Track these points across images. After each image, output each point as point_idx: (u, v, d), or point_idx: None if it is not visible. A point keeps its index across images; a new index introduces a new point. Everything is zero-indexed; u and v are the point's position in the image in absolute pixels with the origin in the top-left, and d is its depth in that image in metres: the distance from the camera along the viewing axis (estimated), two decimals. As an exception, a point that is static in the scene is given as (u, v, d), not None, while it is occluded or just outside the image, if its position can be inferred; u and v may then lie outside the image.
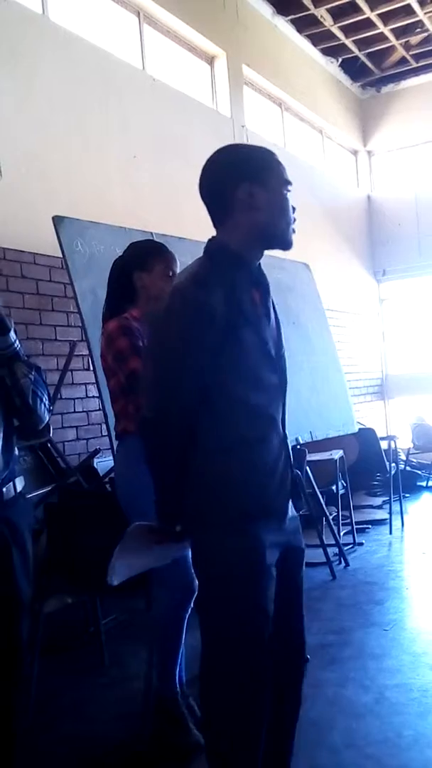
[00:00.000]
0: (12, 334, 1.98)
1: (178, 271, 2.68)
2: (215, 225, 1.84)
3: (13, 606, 1.99)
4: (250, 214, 1.76)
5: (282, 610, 1.83)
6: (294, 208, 1.82)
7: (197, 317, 1.68)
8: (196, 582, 2.49)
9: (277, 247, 1.84)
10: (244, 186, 1.75)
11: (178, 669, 2.64)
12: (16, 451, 2.03)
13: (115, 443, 2.82)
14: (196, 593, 2.52)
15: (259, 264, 1.85)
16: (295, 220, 1.83)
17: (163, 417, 1.75)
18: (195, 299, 1.69)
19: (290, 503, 1.90)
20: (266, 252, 1.88)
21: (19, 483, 2.04)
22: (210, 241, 1.82)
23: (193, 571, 2.50)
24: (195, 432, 1.74)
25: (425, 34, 8.59)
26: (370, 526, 6.10)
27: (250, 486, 1.76)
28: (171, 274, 2.65)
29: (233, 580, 1.73)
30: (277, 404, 1.85)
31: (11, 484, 1.99)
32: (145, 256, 2.67)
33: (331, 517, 5.19)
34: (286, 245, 1.83)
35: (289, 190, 1.81)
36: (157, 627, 2.65)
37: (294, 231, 1.83)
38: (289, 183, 1.81)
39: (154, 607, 2.67)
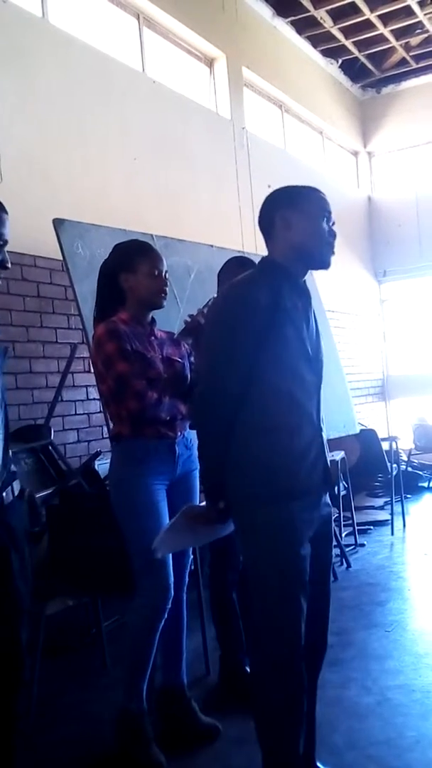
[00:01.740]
0: None
1: (164, 269, 2.66)
2: (267, 247, 2.14)
3: (13, 610, 1.99)
4: (286, 234, 2.06)
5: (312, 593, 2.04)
6: (334, 234, 2.09)
7: (244, 309, 1.96)
8: (171, 591, 2.52)
9: (315, 266, 2.13)
10: (281, 212, 2.06)
11: (147, 682, 2.56)
12: (10, 454, 2.03)
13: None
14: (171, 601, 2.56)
15: (305, 281, 2.13)
16: (334, 240, 2.09)
17: (213, 394, 1.99)
18: (243, 294, 2.00)
19: (326, 493, 2.13)
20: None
21: (16, 486, 2.04)
22: (262, 257, 2.15)
23: (172, 575, 2.52)
24: (238, 414, 1.98)
25: (425, 35, 8.59)
26: (371, 527, 6.09)
27: (281, 468, 1.98)
28: (157, 273, 2.62)
29: (267, 549, 1.98)
30: (312, 399, 2.07)
31: (9, 488, 1.99)
32: (129, 257, 2.63)
33: (332, 518, 5.18)
34: (322, 265, 2.11)
35: (329, 220, 2.08)
36: (129, 638, 2.59)
37: (333, 252, 2.10)
38: (328, 212, 2.08)
39: (127, 616, 2.64)
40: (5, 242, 1.95)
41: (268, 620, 2.00)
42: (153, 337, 2.66)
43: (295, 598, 1.97)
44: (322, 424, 2.11)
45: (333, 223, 2.10)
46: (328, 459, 2.18)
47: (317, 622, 2.10)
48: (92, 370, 3.96)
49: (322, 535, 2.12)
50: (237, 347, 1.96)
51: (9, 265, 1.97)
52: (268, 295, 1.97)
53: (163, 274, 2.64)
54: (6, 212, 1.97)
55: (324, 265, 2.10)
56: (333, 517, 2.16)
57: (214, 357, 2.02)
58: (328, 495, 2.17)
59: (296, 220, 2.05)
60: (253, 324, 1.94)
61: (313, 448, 2.05)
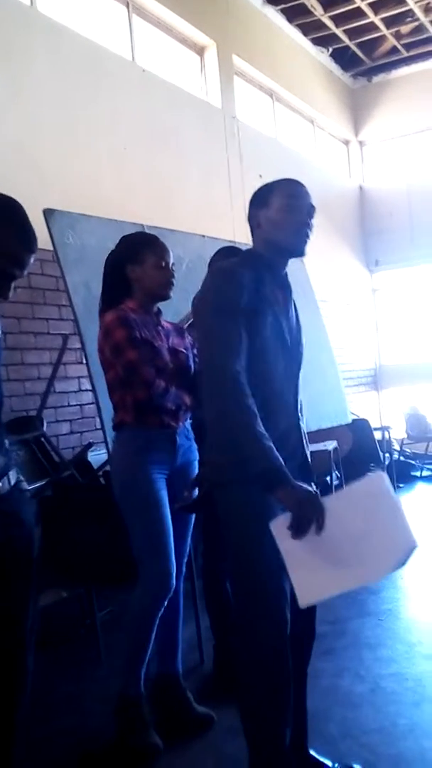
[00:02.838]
0: None
1: (171, 261, 2.68)
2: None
3: (15, 601, 1.97)
4: (259, 231, 2.12)
5: None
6: (308, 222, 2.08)
7: (232, 287, 1.98)
8: (174, 580, 2.52)
9: (288, 255, 2.13)
10: (253, 211, 2.14)
11: (145, 669, 2.58)
12: (7, 444, 2.02)
13: (111, 435, 2.82)
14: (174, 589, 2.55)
15: (286, 274, 2.16)
16: (307, 228, 2.08)
17: (220, 373, 1.91)
18: (230, 273, 2.02)
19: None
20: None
21: (13, 476, 2.03)
22: (245, 250, 2.22)
23: (174, 560, 2.52)
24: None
25: (416, 24, 8.56)
26: (364, 517, 6.10)
27: None
28: (164, 264, 2.64)
29: (246, 532, 1.96)
30: (289, 389, 2.07)
31: (6, 477, 1.97)
32: (136, 248, 2.65)
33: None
34: (294, 253, 2.12)
35: (300, 210, 2.07)
36: (128, 624, 2.60)
37: (305, 240, 2.09)
38: (297, 203, 2.07)
39: (129, 603, 2.65)
40: (20, 277, 1.93)
41: (250, 606, 1.98)
42: (160, 327, 2.69)
43: (276, 579, 1.93)
44: (300, 416, 2.10)
45: (308, 213, 2.09)
46: (308, 451, 2.16)
47: (303, 611, 2.03)
48: (84, 361, 3.96)
49: None
50: (230, 322, 1.95)
51: (9, 295, 1.94)
52: (251, 282, 2.00)
53: (170, 265, 2.67)
54: (34, 252, 1.93)
55: (298, 254, 2.11)
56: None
57: (212, 337, 1.99)
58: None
59: (264, 217, 2.10)
60: (241, 302, 1.96)
61: (290, 438, 2.05)
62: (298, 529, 1.80)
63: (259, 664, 1.96)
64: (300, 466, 2.07)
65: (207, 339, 2.01)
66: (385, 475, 1.98)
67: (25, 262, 1.91)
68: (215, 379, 1.93)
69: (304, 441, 2.12)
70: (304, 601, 1.80)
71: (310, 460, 2.18)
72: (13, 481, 2.01)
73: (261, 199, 2.13)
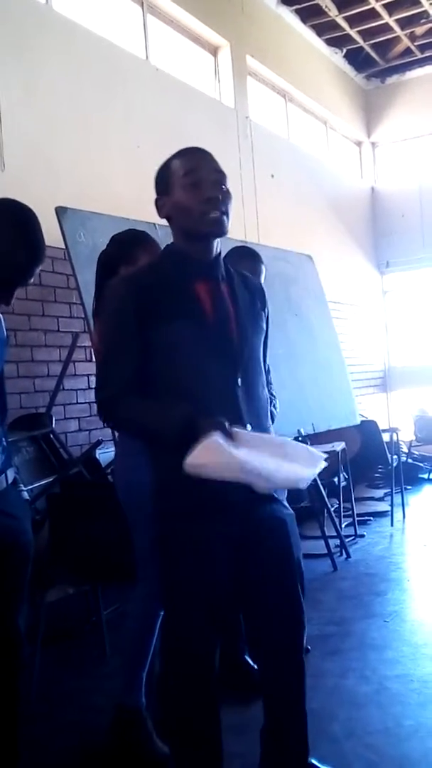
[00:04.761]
0: None
1: None
2: None
3: (8, 593, 1.99)
4: (171, 222, 1.90)
5: (263, 589, 1.88)
6: (211, 198, 1.81)
7: (122, 303, 1.82)
8: None
9: (202, 239, 1.87)
10: (159, 201, 1.92)
11: (147, 676, 2.53)
12: (4, 443, 2.03)
13: (116, 435, 2.82)
14: None
15: (215, 259, 1.90)
16: (215, 202, 1.82)
17: (109, 393, 1.81)
18: (120, 284, 1.92)
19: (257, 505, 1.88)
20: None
21: (10, 474, 2.04)
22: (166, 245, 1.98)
23: None
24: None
25: (430, 25, 8.54)
26: (371, 518, 6.10)
27: (168, 483, 1.85)
28: None
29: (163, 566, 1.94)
30: (222, 390, 1.83)
31: (3, 475, 1.99)
32: (129, 248, 2.60)
33: (332, 509, 5.19)
34: (209, 236, 1.85)
35: (197, 182, 1.82)
36: (130, 626, 2.55)
37: (216, 217, 1.82)
38: (191, 177, 1.82)
39: (129, 606, 2.62)
40: (23, 286, 1.94)
41: (164, 641, 1.97)
42: None
43: (185, 626, 1.86)
44: (251, 426, 1.81)
45: (214, 183, 1.83)
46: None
47: (277, 620, 1.92)
48: (94, 359, 3.97)
49: (264, 543, 1.88)
50: (117, 338, 1.83)
51: (12, 302, 1.95)
52: (153, 284, 1.82)
53: None
54: (41, 263, 1.93)
55: (212, 235, 1.85)
56: (286, 522, 1.95)
57: (102, 355, 1.89)
58: (284, 499, 1.99)
59: (168, 204, 1.87)
60: (128, 315, 1.80)
61: None
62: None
63: (169, 694, 1.93)
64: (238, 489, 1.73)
65: (96, 363, 1.97)
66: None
67: (31, 272, 1.92)
68: (103, 416, 1.86)
69: None
70: (261, 487, 1.72)
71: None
72: (10, 480, 2.03)
73: (161, 184, 1.90)
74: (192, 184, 1.82)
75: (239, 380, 1.85)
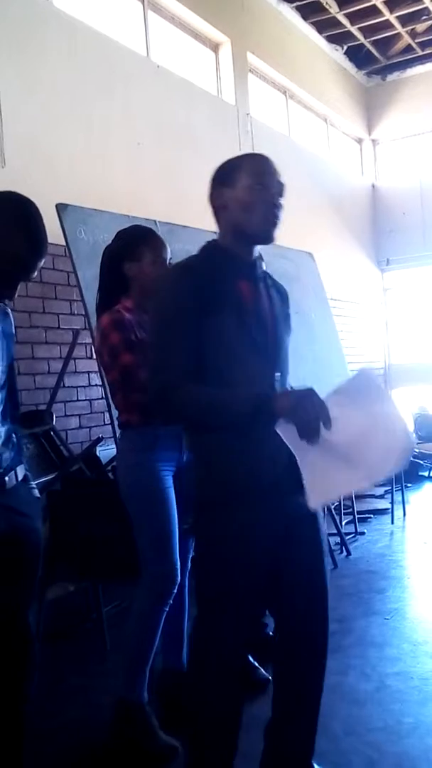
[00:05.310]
0: None
1: (168, 257, 2.64)
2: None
3: (20, 593, 1.99)
4: (225, 214, 1.92)
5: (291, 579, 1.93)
6: (276, 204, 1.89)
7: (180, 287, 1.84)
8: (178, 577, 2.51)
9: (256, 242, 1.94)
10: (218, 191, 1.92)
11: (149, 671, 2.54)
12: (14, 439, 2.03)
13: (118, 432, 2.82)
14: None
15: (255, 260, 1.97)
16: (277, 210, 1.90)
17: (162, 396, 1.80)
18: (179, 272, 1.89)
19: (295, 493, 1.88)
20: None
21: (21, 471, 2.04)
22: (207, 242, 1.99)
23: (178, 558, 2.52)
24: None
25: (431, 22, 8.52)
26: (371, 516, 6.11)
27: (224, 470, 1.84)
28: (161, 261, 2.60)
29: (211, 558, 1.91)
30: (262, 384, 1.88)
31: (12, 472, 1.99)
32: (133, 245, 2.61)
33: (332, 507, 5.20)
34: (262, 240, 1.93)
35: (268, 189, 1.88)
36: (132, 622, 2.55)
37: (275, 224, 1.90)
38: (265, 182, 1.88)
39: (133, 601, 2.62)
40: (27, 281, 1.94)
41: (202, 631, 1.92)
42: None
43: (231, 617, 1.87)
44: None
45: (278, 193, 1.90)
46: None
47: (312, 620, 2.01)
48: (94, 357, 3.97)
49: (299, 538, 1.95)
50: (175, 326, 1.82)
51: (15, 296, 1.95)
52: (206, 277, 1.85)
53: (166, 261, 2.62)
54: (43, 257, 1.92)
55: (265, 240, 1.92)
56: (317, 518, 1.99)
57: (156, 341, 1.88)
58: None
59: (229, 196, 1.89)
60: (188, 304, 1.81)
61: (267, 446, 1.78)
62: (308, 434, 1.67)
63: (203, 690, 1.93)
64: (285, 472, 1.80)
65: (153, 344, 1.91)
66: (371, 370, 1.95)
67: (33, 266, 1.91)
68: (159, 402, 1.82)
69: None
70: (314, 502, 1.75)
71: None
72: (20, 477, 2.03)
73: (226, 176, 1.91)
74: (259, 184, 1.88)
75: (277, 375, 1.93)
